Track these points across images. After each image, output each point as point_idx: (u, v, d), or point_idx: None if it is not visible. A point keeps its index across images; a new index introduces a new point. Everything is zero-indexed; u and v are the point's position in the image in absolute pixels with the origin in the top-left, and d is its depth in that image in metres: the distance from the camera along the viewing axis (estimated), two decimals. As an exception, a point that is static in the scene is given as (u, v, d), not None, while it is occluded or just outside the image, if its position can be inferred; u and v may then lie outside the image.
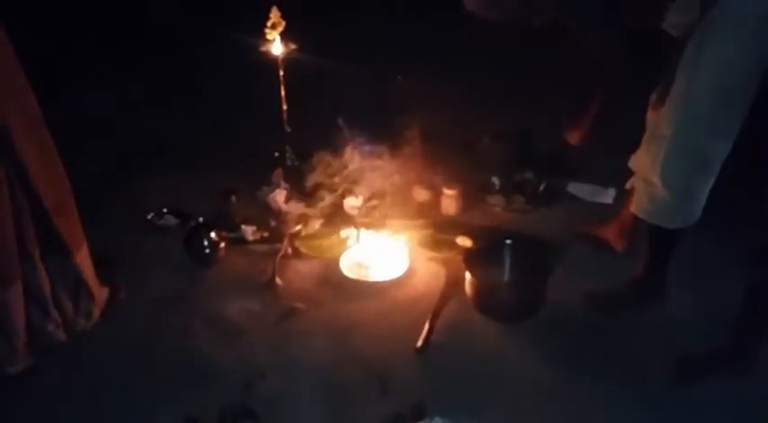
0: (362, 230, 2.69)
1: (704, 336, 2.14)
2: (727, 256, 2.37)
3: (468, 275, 2.32)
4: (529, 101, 3.48)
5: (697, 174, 2.00)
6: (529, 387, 2.04)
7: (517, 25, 2.13)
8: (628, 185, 2.37)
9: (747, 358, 2.02)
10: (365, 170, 2.92)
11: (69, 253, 2.16)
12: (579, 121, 2.44)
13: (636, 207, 2.18)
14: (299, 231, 2.71)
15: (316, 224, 2.75)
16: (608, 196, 2.91)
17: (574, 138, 2.51)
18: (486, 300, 2.31)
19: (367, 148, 3.04)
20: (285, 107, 3.02)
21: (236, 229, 2.71)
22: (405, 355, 2.17)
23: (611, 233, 2.56)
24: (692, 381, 2.03)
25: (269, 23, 2.85)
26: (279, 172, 3.00)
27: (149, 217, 2.84)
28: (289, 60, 2.93)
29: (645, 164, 2.12)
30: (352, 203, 2.80)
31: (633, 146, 2.26)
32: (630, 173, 2.33)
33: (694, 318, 2.25)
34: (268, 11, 2.84)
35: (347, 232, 2.70)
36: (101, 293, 2.32)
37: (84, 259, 2.22)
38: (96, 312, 2.30)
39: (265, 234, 2.72)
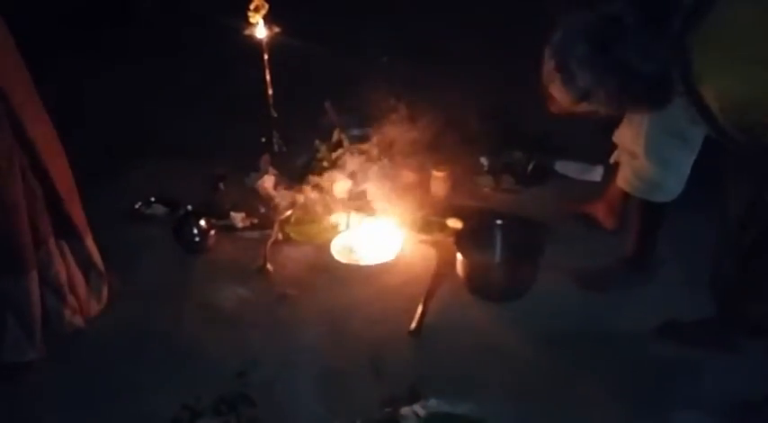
0: (352, 215, 2.68)
1: (693, 309, 2.15)
2: (712, 226, 2.39)
3: (459, 257, 2.32)
4: (515, 80, 3.47)
5: (678, 147, 2.01)
6: (523, 367, 2.06)
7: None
8: (612, 159, 2.38)
9: (735, 332, 2.03)
10: (353, 154, 2.91)
11: (81, 236, 2.19)
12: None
13: (621, 181, 2.19)
14: (289, 217, 2.70)
15: (305, 209, 2.74)
16: (596, 174, 2.92)
17: (554, 106, 2.51)
18: (478, 281, 2.32)
19: (354, 131, 3.03)
20: (271, 92, 2.99)
21: (226, 216, 2.70)
22: (398, 337, 2.17)
23: (600, 210, 2.56)
24: (669, 340, 2.08)
25: (252, 6, 2.82)
26: (266, 158, 2.98)
27: (137, 206, 2.82)
28: (273, 44, 2.90)
29: (628, 137, 2.13)
30: (341, 188, 2.79)
31: (619, 122, 2.26)
32: (615, 147, 2.33)
33: (682, 291, 2.26)
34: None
35: (337, 217, 2.69)
36: (109, 275, 2.33)
37: (92, 243, 2.24)
38: (105, 293, 2.31)
39: (255, 220, 2.70)
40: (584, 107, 1.67)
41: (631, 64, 1.54)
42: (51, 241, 2.09)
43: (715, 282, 2.00)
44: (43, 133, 2.02)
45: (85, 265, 2.25)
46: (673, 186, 2.09)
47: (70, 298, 2.19)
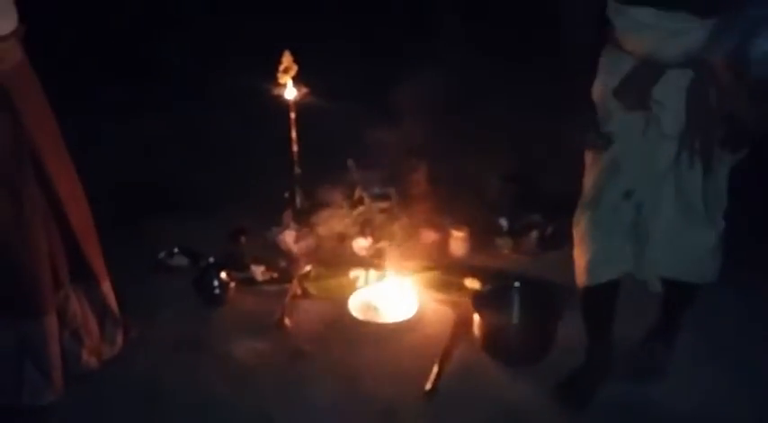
0: (371, 272, 2.70)
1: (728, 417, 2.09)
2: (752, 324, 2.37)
3: (476, 318, 2.32)
4: (536, 143, 3.52)
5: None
6: (539, 432, 2.03)
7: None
8: None
9: None
10: (374, 212, 2.96)
11: (97, 280, 2.22)
12: None
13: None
14: (309, 272, 2.72)
15: (324, 265, 2.77)
16: (615, 239, 2.91)
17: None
18: (495, 342, 2.31)
19: (375, 189, 3.08)
20: (296, 149, 3.06)
21: (246, 269, 2.73)
22: (414, 397, 2.16)
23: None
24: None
25: (281, 68, 2.91)
26: (288, 213, 3.02)
27: (160, 257, 2.87)
28: (301, 103, 2.99)
29: None
30: (361, 245, 2.82)
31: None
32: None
33: (705, 363, 2.23)
34: (280, 55, 2.91)
35: (356, 274, 2.71)
36: (126, 322, 2.36)
37: (108, 288, 2.27)
38: (119, 339, 2.33)
39: (275, 274, 2.73)
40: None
41: None
42: (68, 283, 2.14)
43: None
44: (65, 179, 2.08)
45: (100, 309, 2.27)
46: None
47: (87, 339, 2.21)
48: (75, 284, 2.17)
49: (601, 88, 1.89)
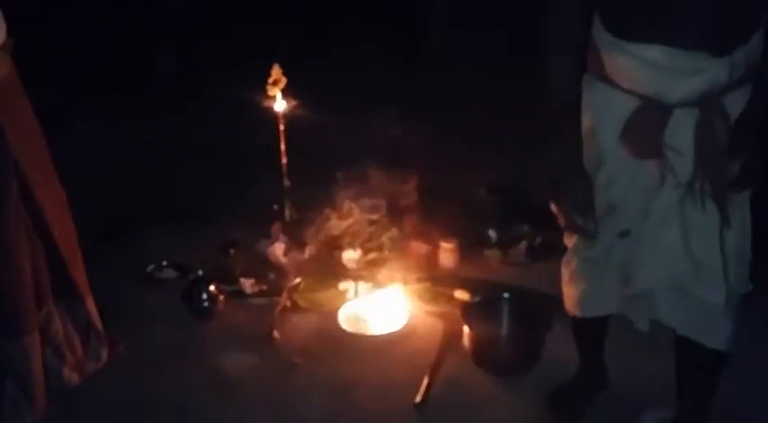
0: (361, 284, 2.70)
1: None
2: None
3: (466, 329, 2.32)
4: (525, 154, 3.54)
5: None
6: (528, 443, 2.03)
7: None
8: None
9: None
10: (363, 224, 2.96)
11: (80, 298, 2.20)
12: None
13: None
14: (298, 285, 2.72)
15: (313, 277, 2.76)
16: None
17: None
18: (484, 354, 2.31)
19: (365, 201, 3.09)
20: (285, 161, 3.07)
21: (235, 282, 2.72)
22: (404, 410, 2.15)
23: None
24: None
25: (270, 80, 2.92)
26: (278, 225, 3.02)
27: (149, 270, 2.86)
28: (290, 114, 2.99)
29: None
30: (350, 257, 2.82)
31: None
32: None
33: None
34: (270, 67, 2.92)
35: (345, 286, 2.71)
36: (108, 337, 2.34)
37: (92, 305, 2.26)
38: (104, 355, 2.31)
39: (264, 287, 2.72)
40: None
41: None
42: (51, 301, 2.12)
43: None
44: (51, 196, 2.07)
45: (84, 326, 2.25)
46: None
47: (68, 355, 2.19)
48: (57, 302, 2.15)
49: (588, 129, 1.67)
